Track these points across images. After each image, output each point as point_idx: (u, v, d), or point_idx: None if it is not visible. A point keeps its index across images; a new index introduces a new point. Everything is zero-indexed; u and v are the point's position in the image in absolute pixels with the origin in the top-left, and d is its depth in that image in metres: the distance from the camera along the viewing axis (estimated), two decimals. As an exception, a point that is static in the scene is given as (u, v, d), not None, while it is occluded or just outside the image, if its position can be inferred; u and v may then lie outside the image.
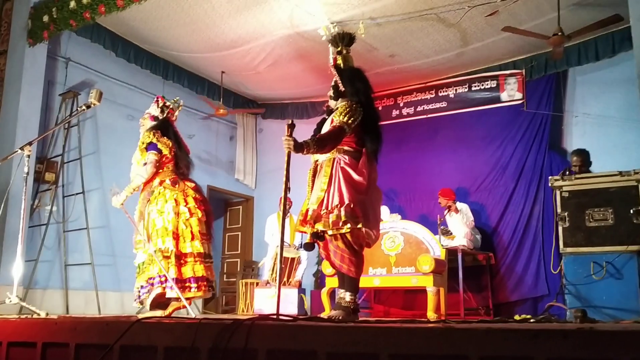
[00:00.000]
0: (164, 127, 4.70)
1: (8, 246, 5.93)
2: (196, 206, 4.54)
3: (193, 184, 4.67)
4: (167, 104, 4.78)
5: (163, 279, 4.24)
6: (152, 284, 4.29)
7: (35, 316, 4.09)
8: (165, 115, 4.76)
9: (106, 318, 3.07)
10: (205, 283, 4.38)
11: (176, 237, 4.39)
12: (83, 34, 7.07)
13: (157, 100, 4.80)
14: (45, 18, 6.39)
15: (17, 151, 4.52)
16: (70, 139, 7.18)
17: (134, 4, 5.72)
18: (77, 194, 7.07)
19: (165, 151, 4.55)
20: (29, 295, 6.19)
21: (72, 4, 6.11)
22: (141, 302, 4.44)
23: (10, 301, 4.32)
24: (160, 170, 4.57)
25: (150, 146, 4.51)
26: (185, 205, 4.48)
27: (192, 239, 4.44)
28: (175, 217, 4.41)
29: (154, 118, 4.74)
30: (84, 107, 4.76)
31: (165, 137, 4.59)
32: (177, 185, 4.55)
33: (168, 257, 4.31)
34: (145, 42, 7.63)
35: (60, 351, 2.85)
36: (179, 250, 4.37)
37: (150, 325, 2.58)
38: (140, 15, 6.70)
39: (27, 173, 4.45)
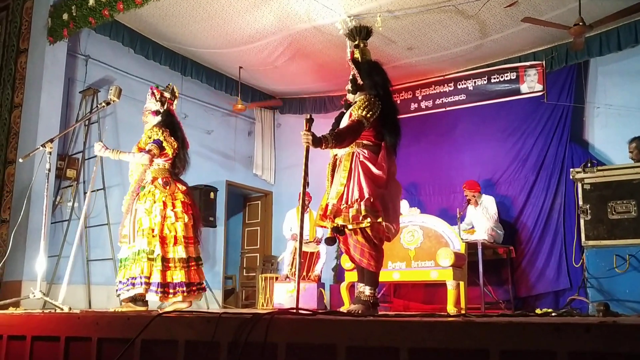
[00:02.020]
0: (171, 123, 4.72)
1: (31, 242, 6.01)
2: (183, 210, 4.53)
3: (184, 187, 4.68)
4: (165, 94, 4.77)
5: (145, 280, 4.27)
6: (133, 284, 4.31)
7: (58, 311, 4.15)
8: (165, 106, 4.75)
9: (128, 312, 3.11)
10: (184, 288, 4.38)
11: (162, 240, 4.41)
12: (102, 31, 7.12)
13: (153, 93, 4.76)
14: (65, 16, 6.45)
15: (38, 148, 4.58)
16: (91, 136, 7.25)
17: (152, 1, 5.75)
18: (98, 190, 7.14)
19: (169, 151, 4.58)
20: (52, 290, 6.28)
21: (91, 2, 6.16)
22: (118, 296, 4.48)
23: (34, 296, 4.39)
24: (156, 167, 4.58)
25: (155, 142, 4.53)
26: (172, 209, 4.48)
27: (175, 243, 4.45)
28: (161, 221, 4.43)
29: (156, 112, 4.73)
30: (103, 104, 4.82)
31: (172, 138, 4.62)
32: (168, 187, 4.55)
33: (153, 260, 4.33)
34: (164, 38, 7.67)
35: (83, 345, 2.89)
36: (164, 254, 4.38)
37: (171, 320, 2.60)
38: (158, 12, 6.74)
39: (49, 170, 4.52)
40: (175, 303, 4.43)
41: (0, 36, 7.33)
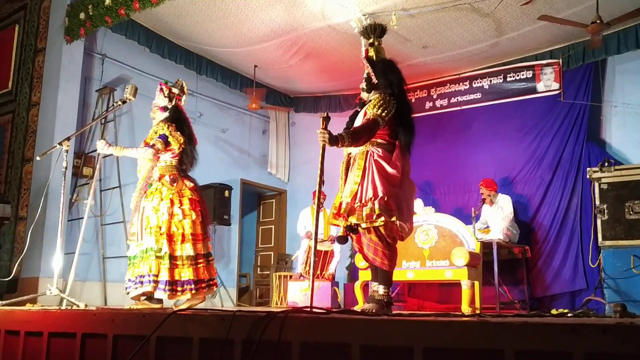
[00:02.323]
0: (178, 119, 4.70)
1: (48, 239, 6.08)
2: (191, 207, 4.52)
3: (192, 184, 4.66)
4: (174, 90, 4.77)
5: (153, 278, 4.27)
6: (142, 282, 4.32)
7: (74, 307, 4.20)
8: (173, 102, 4.75)
9: (143, 310, 3.13)
10: (192, 286, 4.38)
11: (169, 238, 4.40)
12: (118, 30, 7.18)
13: (162, 89, 4.76)
14: (82, 15, 6.51)
15: (55, 146, 4.63)
16: (107, 134, 7.31)
17: (167, 0, 5.78)
18: (114, 188, 7.20)
19: (175, 146, 4.56)
20: (68, 286, 6.34)
21: (108, 1, 6.21)
22: (128, 294, 4.48)
23: (51, 293, 4.44)
24: (163, 164, 4.58)
25: (161, 137, 4.52)
26: (179, 207, 4.47)
27: (183, 241, 4.44)
28: (169, 219, 4.42)
29: (164, 108, 4.73)
30: (119, 103, 4.85)
31: (178, 132, 4.59)
32: (175, 184, 4.53)
33: (160, 258, 4.33)
34: (179, 37, 7.71)
35: (99, 341, 2.92)
36: (172, 252, 4.38)
37: (185, 317, 2.61)
38: (174, 11, 6.77)
39: (66, 167, 4.57)
40: (189, 300, 4.46)
41: (18, 35, 7.42)
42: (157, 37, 7.60)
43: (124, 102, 4.82)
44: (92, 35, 7.08)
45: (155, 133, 4.57)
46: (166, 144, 4.51)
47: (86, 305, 4.31)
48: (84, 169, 7.05)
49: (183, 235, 4.44)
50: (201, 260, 4.51)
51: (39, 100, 6.83)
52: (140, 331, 2.71)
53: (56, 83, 6.65)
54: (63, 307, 4.23)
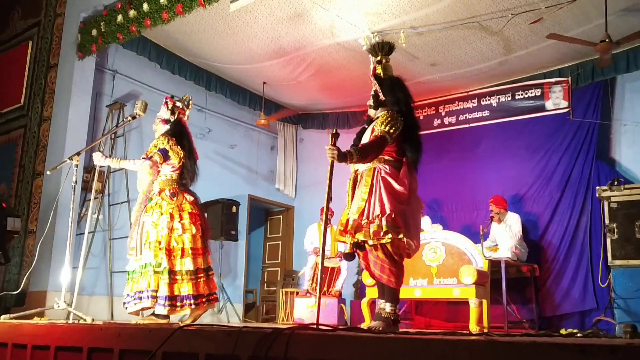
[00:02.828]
0: (178, 132, 4.71)
1: (56, 253, 6.10)
2: (191, 221, 4.51)
3: (192, 198, 4.65)
4: (177, 104, 4.79)
5: (151, 293, 4.26)
6: (140, 297, 4.31)
7: (81, 321, 4.20)
8: (176, 116, 4.78)
9: (150, 325, 3.13)
10: (191, 301, 4.36)
11: (169, 253, 4.39)
12: (129, 46, 7.27)
13: (167, 102, 4.80)
14: (94, 32, 6.59)
15: (66, 161, 4.67)
16: (117, 149, 7.36)
17: (178, 17, 5.85)
18: (122, 202, 7.23)
19: (175, 160, 4.56)
20: (75, 300, 6.35)
21: (120, 18, 6.29)
22: (126, 309, 4.47)
23: (59, 307, 4.45)
24: (164, 178, 4.58)
25: (160, 151, 4.53)
26: (179, 221, 4.46)
27: (182, 255, 4.43)
28: (168, 233, 4.41)
29: (166, 121, 4.76)
30: (129, 118, 4.89)
31: (178, 146, 4.61)
32: (175, 198, 4.53)
33: (159, 273, 4.32)
34: (189, 54, 7.79)
35: (105, 356, 2.92)
36: (171, 267, 4.36)
37: (192, 333, 2.61)
38: (184, 28, 6.85)
39: (76, 182, 4.59)
40: (193, 312, 4.44)
41: (31, 52, 7.52)
42: (167, 53, 7.69)
43: (134, 117, 4.86)
44: (104, 51, 7.16)
45: (155, 147, 4.59)
46: (165, 157, 4.52)
47: (93, 320, 4.32)
48: (93, 183, 7.08)
49: (183, 249, 4.43)
50: (201, 275, 4.49)
51: (50, 115, 6.90)
52: (147, 346, 2.70)
53: (67, 98, 6.72)
54: (70, 321, 4.23)
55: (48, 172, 5.26)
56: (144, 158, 4.54)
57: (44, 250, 5.74)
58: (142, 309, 4.36)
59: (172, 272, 4.36)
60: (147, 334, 2.78)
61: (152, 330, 2.78)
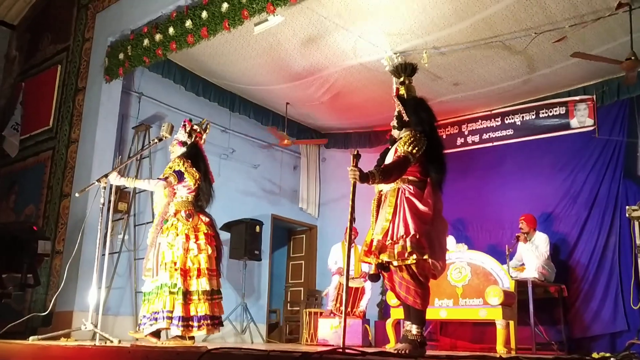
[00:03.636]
0: (194, 155, 4.79)
1: (83, 273, 6.16)
2: (206, 242, 4.57)
3: (208, 219, 4.72)
4: (195, 127, 4.88)
5: (167, 314, 4.29)
6: (156, 318, 4.34)
7: (108, 343, 4.22)
8: (193, 139, 4.85)
9: (177, 348, 3.14)
10: (208, 321, 4.40)
11: (184, 273, 4.42)
12: (154, 69, 7.41)
13: (185, 125, 4.89)
14: (121, 56, 6.73)
15: (94, 183, 4.74)
16: (142, 170, 7.45)
17: (202, 40, 5.94)
18: (147, 223, 7.28)
19: (190, 182, 4.63)
20: (101, 321, 6.40)
21: (146, 42, 6.41)
22: (142, 330, 4.49)
23: (86, 328, 4.49)
24: (179, 199, 4.64)
25: (176, 172, 4.61)
26: (195, 241, 4.52)
27: (198, 276, 4.47)
28: (184, 254, 4.46)
29: (183, 144, 4.84)
30: (156, 140, 4.97)
31: (194, 168, 4.68)
32: (190, 220, 4.59)
33: (174, 294, 4.35)
34: (213, 76, 7.89)
35: (133, 378, 2.93)
36: (186, 287, 4.40)
37: (219, 356, 2.61)
38: (209, 51, 6.96)
39: (103, 204, 4.65)
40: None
41: (60, 75, 7.70)
42: (192, 75, 7.81)
43: (160, 139, 4.93)
44: (130, 74, 7.29)
45: (170, 168, 4.69)
46: (180, 179, 4.60)
47: (120, 341, 4.34)
48: (118, 204, 7.17)
49: (199, 270, 4.48)
50: (216, 296, 4.55)
51: (78, 137, 7.03)
52: (174, 369, 2.71)
53: (95, 120, 6.84)
54: (97, 342, 4.26)
55: (77, 195, 5.36)
56: (159, 179, 4.64)
57: (71, 271, 5.79)
58: (158, 330, 4.40)
59: (187, 293, 4.40)
60: (174, 357, 2.79)
61: (180, 353, 2.79)
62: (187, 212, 4.62)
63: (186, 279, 4.43)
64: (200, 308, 4.39)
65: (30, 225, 4.52)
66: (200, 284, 4.45)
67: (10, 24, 8.97)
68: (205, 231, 4.62)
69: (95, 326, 4.49)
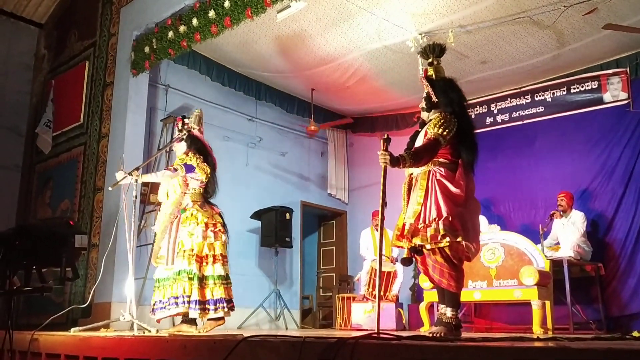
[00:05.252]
0: (203, 149, 5.00)
1: (119, 265, 6.27)
2: (222, 230, 4.84)
3: (218, 209, 4.98)
4: (185, 121, 5.06)
5: (187, 299, 4.52)
6: (177, 303, 4.55)
7: (146, 333, 4.31)
8: (185, 131, 4.99)
9: (214, 336, 3.18)
10: (224, 305, 4.63)
11: (200, 260, 4.66)
12: (180, 61, 7.45)
13: (177, 124, 5.10)
14: (147, 49, 6.78)
15: (126, 176, 4.80)
16: (172, 162, 7.51)
17: (226, 29, 5.94)
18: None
19: (202, 176, 4.86)
20: (138, 311, 6.51)
21: (171, 34, 6.44)
22: (154, 315, 4.73)
23: (124, 318, 4.59)
24: (192, 191, 4.85)
25: (187, 167, 4.80)
26: (212, 230, 4.78)
27: (214, 261, 4.72)
28: (202, 241, 4.70)
29: (180, 139, 5.02)
30: (184, 132, 5.02)
31: (205, 163, 4.90)
32: (206, 209, 4.84)
33: (191, 279, 4.57)
34: (238, 65, 7.91)
35: (172, 367, 2.98)
36: (201, 273, 4.63)
37: (256, 344, 2.63)
38: (233, 40, 6.96)
39: (136, 197, 4.75)
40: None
41: (88, 71, 7.80)
42: (217, 66, 7.83)
43: (188, 130, 4.98)
44: (156, 67, 7.34)
45: (182, 160, 4.88)
46: (188, 170, 4.80)
47: (157, 331, 4.42)
48: (150, 196, 7.26)
49: (214, 256, 4.73)
50: (229, 281, 4.79)
51: (108, 131, 7.13)
52: (212, 358, 2.75)
53: (124, 114, 6.92)
54: (135, 332, 4.35)
55: (110, 189, 5.44)
56: (165, 169, 4.90)
57: (107, 263, 5.91)
58: (173, 315, 4.66)
59: (202, 278, 4.64)
60: (211, 346, 2.82)
61: (217, 341, 2.82)
62: (201, 203, 4.88)
63: (202, 265, 4.68)
64: (216, 292, 4.64)
65: (67, 220, 4.61)
66: (215, 269, 4.70)
67: (38, 23, 9.09)
68: (220, 220, 4.90)
69: (133, 316, 4.58)
